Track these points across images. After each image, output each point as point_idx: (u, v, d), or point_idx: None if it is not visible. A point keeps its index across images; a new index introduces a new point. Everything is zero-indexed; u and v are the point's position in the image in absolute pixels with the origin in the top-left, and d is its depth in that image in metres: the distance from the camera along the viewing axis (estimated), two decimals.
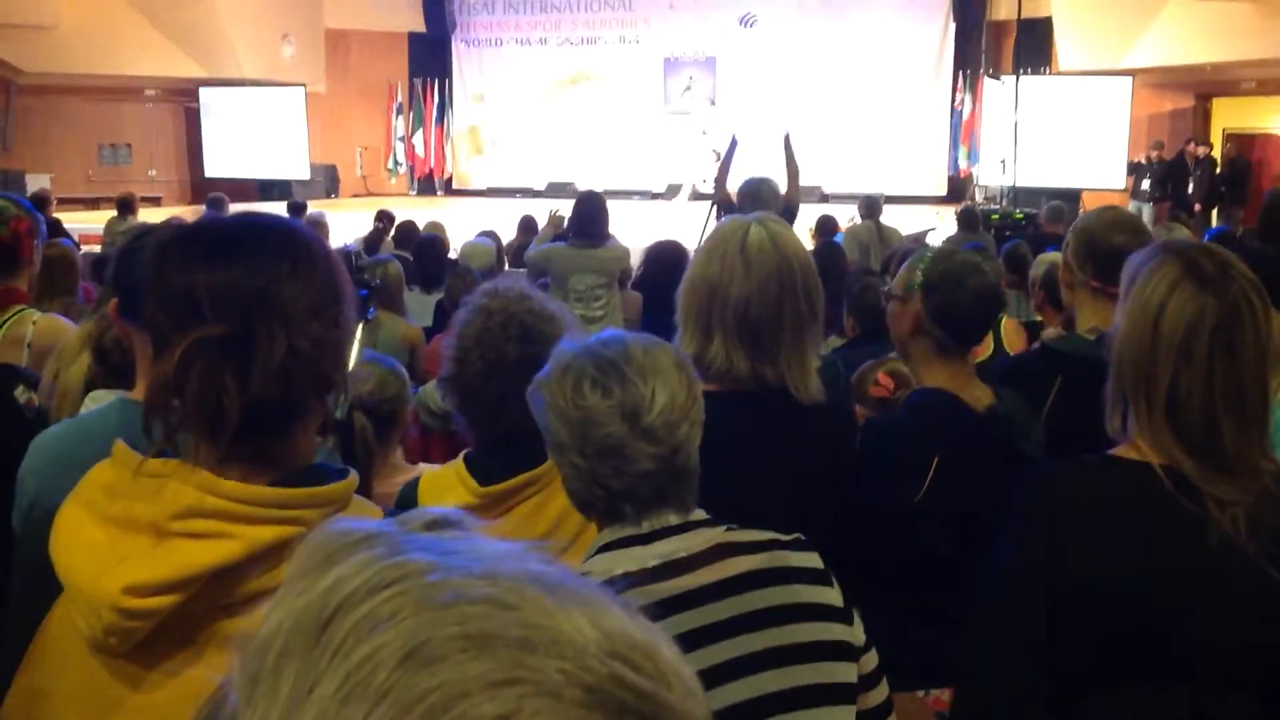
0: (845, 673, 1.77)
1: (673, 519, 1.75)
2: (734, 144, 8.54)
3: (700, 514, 1.78)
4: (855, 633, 1.81)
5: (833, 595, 1.80)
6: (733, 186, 8.19)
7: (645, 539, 1.73)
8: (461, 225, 11.25)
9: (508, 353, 2.24)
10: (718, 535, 1.77)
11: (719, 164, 8.43)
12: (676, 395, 1.72)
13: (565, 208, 8.29)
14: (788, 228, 2.49)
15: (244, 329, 1.28)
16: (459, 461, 2.32)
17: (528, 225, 10.72)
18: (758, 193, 7.70)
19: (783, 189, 8.03)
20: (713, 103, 23.16)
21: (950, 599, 2.50)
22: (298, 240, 1.39)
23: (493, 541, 0.62)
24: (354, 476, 1.39)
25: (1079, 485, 1.86)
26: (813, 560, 1.82)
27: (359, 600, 0.56)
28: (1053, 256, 5.69)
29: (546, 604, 0.56)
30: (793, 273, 2.37)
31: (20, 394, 2.61)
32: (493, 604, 0.55)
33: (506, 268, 8.89)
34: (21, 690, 1.36)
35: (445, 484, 2.30)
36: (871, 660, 1.83)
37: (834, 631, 1.77)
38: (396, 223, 10.39)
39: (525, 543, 0.62)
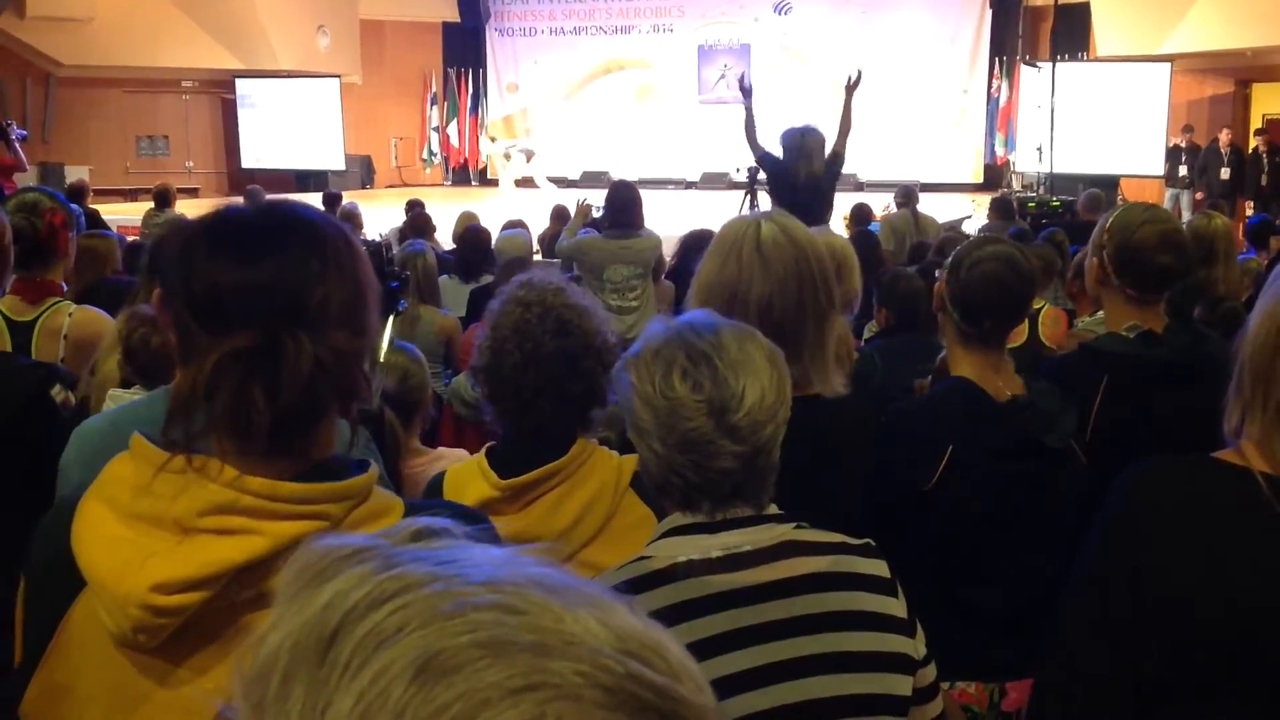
0: (899, 685, 1.74)
1: (745, 511, 1.73)
2: (748, 92, 8.43)
3: (774, 509, 1.76)
4: (916, 645, 1.78)
5: (895, 606, 1.78)
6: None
7: (712, 528, 1.71)
8: (496, 215, 11.24)
9: (544, 345, 2.24)
10: (786, 532, 1.74)
11: (745, 121, 8.20)
12: (766, 395, 1.68)
13: (594, 197, 8.26)
14: (794, 219, 2.46)
15: (271, 339, 1.27)
16: (481, 454, 2.32)
17: (560, 214, 10.70)
18: (801, 144, 7.63)
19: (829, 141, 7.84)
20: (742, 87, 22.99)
21: (974, 590, 2.49)
22: (325, 236, 1.37)
23: (484, 548, 0.61)
24: (374, 469, 1.39)
25: (1173, 485, 1.78)
26: (879, 568, 1.79)
27: (361, 615, 0.55)
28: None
29: (554, 607, 0.55)
30: (809, 264, 2.35)
31: (57, 393, 2.62)
32: (500, 609, 0.54)
33: (540, 257, 8.88)
34: (43, 686, 1.35)
35: (467, 477, 2.30)
36: (929, 674, 1.81)
37: (891, 643, 1.74)
38: (416, 212, 10.35)
39: (518, 546, 0.61)
